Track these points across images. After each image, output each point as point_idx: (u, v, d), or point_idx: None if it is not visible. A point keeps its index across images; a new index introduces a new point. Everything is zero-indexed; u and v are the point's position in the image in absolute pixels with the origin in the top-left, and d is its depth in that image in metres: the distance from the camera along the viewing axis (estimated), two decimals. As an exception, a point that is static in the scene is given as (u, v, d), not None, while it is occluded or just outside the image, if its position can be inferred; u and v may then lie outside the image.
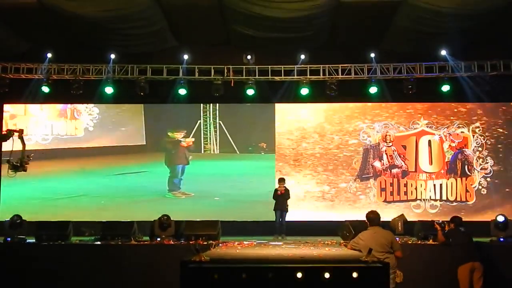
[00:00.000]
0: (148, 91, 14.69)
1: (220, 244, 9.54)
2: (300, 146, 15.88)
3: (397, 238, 11.22)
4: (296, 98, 15.11)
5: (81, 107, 16.06)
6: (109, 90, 14.69)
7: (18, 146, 9.73)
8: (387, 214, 14.06)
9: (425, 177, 15.63)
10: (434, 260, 10.50)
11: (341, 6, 12.47)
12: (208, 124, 16.03)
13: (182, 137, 15.95)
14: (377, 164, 15.75)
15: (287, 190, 13.97)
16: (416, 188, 15.58)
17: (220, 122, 16.03)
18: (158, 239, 11.58)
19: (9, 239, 11.50)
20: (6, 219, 12.10)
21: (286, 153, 15.84)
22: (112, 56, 14.42)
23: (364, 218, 8.18)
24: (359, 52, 14.48)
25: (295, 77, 14.74)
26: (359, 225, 10.16)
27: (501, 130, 15.63)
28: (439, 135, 15.76)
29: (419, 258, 10.52)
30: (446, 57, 14.30)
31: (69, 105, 16.07)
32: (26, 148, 9.65)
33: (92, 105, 15.91)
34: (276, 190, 13.98)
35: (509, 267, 10.40)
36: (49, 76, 14.59)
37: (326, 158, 15.81)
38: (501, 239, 11.23)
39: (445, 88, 14.59)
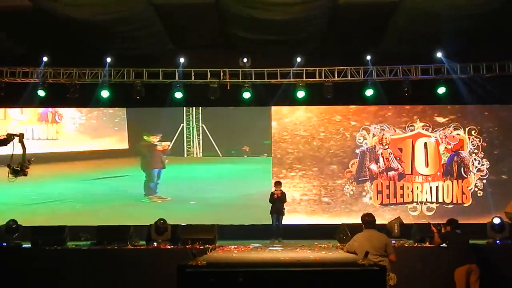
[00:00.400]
0: (144, 95, 14.67)
1: (217, 248, 9.54)
2: (296, 149, 15.88)
3: (394, 241, 11.32)
4: (293, 101, 15.14)
5: (62, 110, 16.00)
6: (105, 93, 14.66)
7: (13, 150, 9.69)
8: (384, 216, 14.11)
9: (422, 180, 15.67)
10: (431, 262, 10.53)
11: (338, 7, 12.47)
12: (191, 128, 16.02)
13: (158, 141, 15.89)
14: (373, 166, 15.78)
15: (283, 194, 13.99)
16: (412, 191, 15.61)
17: (203, 125, 16.02)
18: (155, 243, 11.58)
19: (4, 244, 11.47)
20: (1, 224, 12.06)
21: (282, 157, 15.86)
22: (108, 59, 14.41)
23: (360, 221, 8.18)
24: (355, 55, 14.49)
25: (292, 79, 14.76)
26: (355, 228, 10.12)
27: (497, 132, 15.69)
28: (435, 137, 15.80)
29: (416, 260, 10.55)
30: (442, 59, 14.33)
31: (50, 109, 15.99)
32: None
33: (74, 108, 15.89)
34: (272, 194, 13.97)
35: (506, 269, 10.43)
36: (45, 80, 14.54)
37: (322, 161, 15.82)
38: (498, 241, 11.27)
39: (441, 90, 14.61)
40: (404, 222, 12.88)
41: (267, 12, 12.23)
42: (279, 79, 14.79)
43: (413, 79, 14.57)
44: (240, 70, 14.66)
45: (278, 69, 14.72)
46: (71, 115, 16.12)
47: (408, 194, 15.60)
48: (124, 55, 14.52)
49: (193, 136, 15.96)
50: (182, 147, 15.96)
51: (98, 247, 11.40)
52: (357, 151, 15.83)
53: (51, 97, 14.78)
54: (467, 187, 15.59)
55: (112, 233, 11.76)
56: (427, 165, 15.74)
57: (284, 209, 13.92)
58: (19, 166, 9.29)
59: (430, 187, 15.62)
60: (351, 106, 15.92)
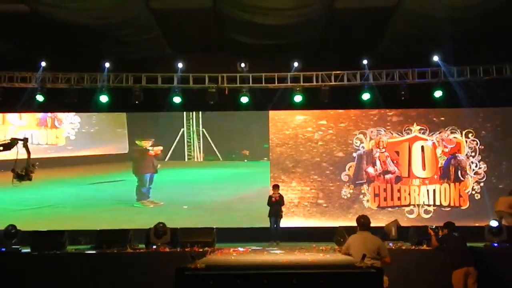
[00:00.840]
0: (143, 99, 14.69)
1: (216, 251, 9.55)
2: (293, 153, 15.93)
3: (391, 244, 11.38)
4: (290, 105, 15.16)
5: (61, 115, 16.02)
6: (104, 98, 14.65)
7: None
8: (381, 219, 14.15)
9: (419, 183, 15.71)
10: (428, 265, 10.54)
11: (335, 12, 12.49)
12: (191, 132, 16.05)
13: (150, 146, 15.90)
14: (370, 170, 15.82)
15: (281, 197, 14.05)
16: (409, 194, 15.65)
17: (203, 130, 16.06)
18: (154, 246, 11.59)
19: (3, 249, 11.44)
20: (0, 229, 12.05)
21: (280, 160, 15.90)
22: (107, 64, 14.42)
23: (357, 224, 8.24)
24: (352, 59, 14.51)
25: (289, 84, 14.78)
26: (353, 230, 10.08)
27: (494, 135, 15.73)
28: (432, 140, 15.85)
29: (413, 263, 10.58)
30: (438, 62, 14.35)
31: (49, 114, 16.02)
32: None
33: (73, 113, 15.90)
34: (270, 197, 14.01)
35: (504, 272, 10.45)
36: (44, 84, 14.52)
37: (319, 164, 15.87)
38: (495, 244, 11.29)
39: (438, 93, 14.62)
40: (401, 225, 12.92)
41: (264, 17, 12.25)
42: (276, 84, 14.81)
43: (409, 83, 14.60)
44: (238, 74, 14.69)
45: (276, 74, 14.74)
46: (70, 120, 16.11)
47: (405, 197, 15.64)
48: (123, 60, 14.54)
49: (193, 140, 15.98)
50: (183, 151, 15.98)
51: (97, 250, 11.40)
52: (354, 154, 15.88)
53: (50, 102, 14.77)
54: (465, 190, 15.64)
55: (112, 237, 11.77)
56: (424, 168, 15.79)
57: (282, 212, 13.97)
58: (23, 171, 9.30)
59: (427, 190, 15.66)
60: (348, 110, 15.96)
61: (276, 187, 14.26)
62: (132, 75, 14.72)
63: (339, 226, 12.16)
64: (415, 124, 15.88)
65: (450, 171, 15.73)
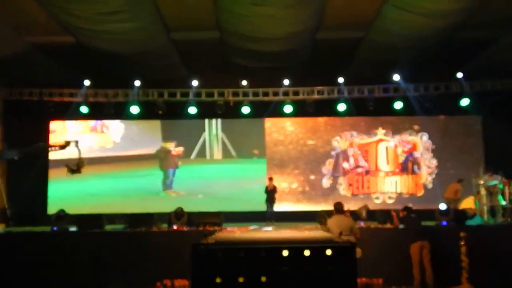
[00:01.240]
0: (165, 110, 14.71)
1: (223, 230, 9.54)
2: (285, 152, 15.93)
3: (362, 223, 11.37)
4: (282, 114, 15.17)
5: (108, 123, 15.98)
6: (134, 109, 14.64)
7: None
8: (354, 204, 14.12)
9: (383, 175, 15.73)
10: (391, 240, 10.54)
11: (317, 41, 12.57)
12: (212, 136, 16.02)
13: (173, 147, 15.89)
14: (345, 165, 15.84)
15: (275, 187, 14.24)
16: (376, 184, 15.67)
17: (223, 134, 16.02)
18: (175, 226, 11.58)
19: (55, 228, 11.50)
20: (53, 213, 12.10)
21: (274, 158, 15.89)
22: (137, 83, 14.41)
23: (335, 208, 8.27)
24: (330, 77, 14.53)
25: (281, 97, 14.79)
26: (331, 213, 10.13)
27: (443, 137, 15.76)
28: (393, 141, 15.87)
29: (379, 239, 10.56)
30: (398, 81, 14.35)
31: (99, 122, 15.99)
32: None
33: (119, 121, 15.87)
34: (266, 187, 14.12)
35: (450, 245, 10.42)
36: (86, 99, 14.56)
37: (305, 161, 15.88)
38: (444, 223, 11.29)
39: (398, 105, 14.63)
40: (370, 209, 12.90)
41: (261, 45, 12.27)
42: (271, 97, 14.84)
43: (376, 96, 14.62)
44: (240, 90, 14.70)
45: (270, 89, 14.77)
46: (116, 127, 16.03)
47: (373, 186, 15.66)
48: (149, 79, 14.55)
49: (213, 142, 15.97)
50: (205, 151, 15.94)
51: (129, 230, 11.40)
52: (333, 152, 15.89)
53: (93, 112, 14.82)
54: (420, 181, 15.66)
55: (141, 219, 11.74)
56: (388, 163, 15.81)
57: (275, 199, 14.04)
58: (75, 166, 9.32)
59: (391, 181, 15.68)
60: (328, 118, 15.98)
61: (271, 179, 14.39)
62: (156, 90, 14.71)
63: (321, 210, 12.11)
64: (380, 128, 15.90)
65: (408, 166, 15.76)
